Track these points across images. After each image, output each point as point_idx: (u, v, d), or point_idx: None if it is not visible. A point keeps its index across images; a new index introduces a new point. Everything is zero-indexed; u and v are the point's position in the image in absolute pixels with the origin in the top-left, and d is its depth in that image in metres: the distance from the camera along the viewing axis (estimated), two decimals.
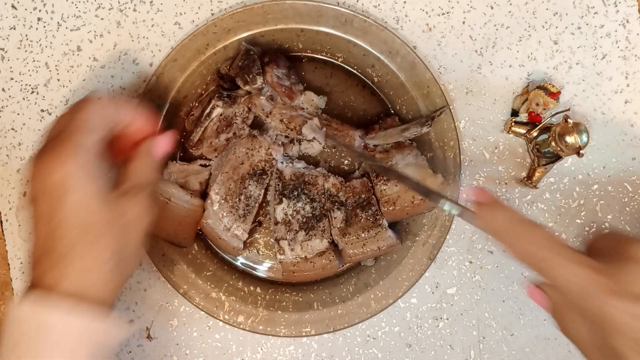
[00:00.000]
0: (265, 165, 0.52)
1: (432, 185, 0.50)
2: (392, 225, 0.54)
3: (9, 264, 0.56)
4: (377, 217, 0.51)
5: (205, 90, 0.54)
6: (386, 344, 0.55)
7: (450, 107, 0.52)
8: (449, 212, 0.48)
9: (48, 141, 0.41)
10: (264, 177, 0.52)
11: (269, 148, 0.52)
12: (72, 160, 0.38)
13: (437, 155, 0.53)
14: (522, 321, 0.55)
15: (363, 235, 0.51)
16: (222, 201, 0.51)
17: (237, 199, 0.52)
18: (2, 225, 0.56)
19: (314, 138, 0.52)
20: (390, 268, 0.53)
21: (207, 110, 0.52)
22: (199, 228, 0.53)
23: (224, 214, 0.51)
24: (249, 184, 0.52)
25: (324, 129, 0.52)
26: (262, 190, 0.52)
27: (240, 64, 0.51)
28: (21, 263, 0.56)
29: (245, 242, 0.53)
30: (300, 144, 0.54)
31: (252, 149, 0.52)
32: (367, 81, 0.55)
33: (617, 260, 0.34)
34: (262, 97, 0.52)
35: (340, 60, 0.54)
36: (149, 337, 0.55)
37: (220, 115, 0.52)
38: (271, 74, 0.51)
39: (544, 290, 0.39)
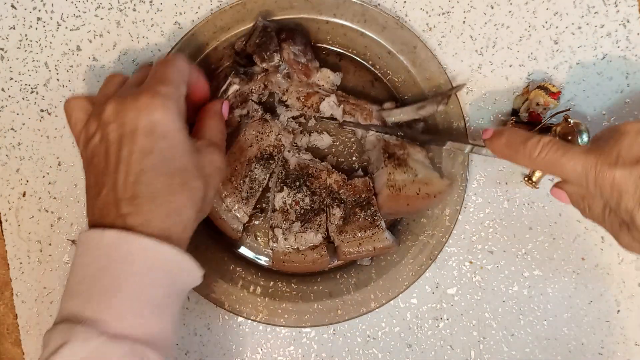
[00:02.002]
0: (274, 150, 0.52)
1: (439, 186, 0.50)
2: (393, 225, 0.54)
3: (8, 264, 0.56)
4: (376, 218, 0.51)
5: (218, 66, 0.54)
6: (386, 344, 0.55)
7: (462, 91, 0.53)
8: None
9: (107, 94, 0.42)
10: (271, 162, 0.52)
11: (279, 134, 0.52)
12: (165, 107, 0.39)
13: (446, 165, 0.53)
14: (522, 321, 0.55)
15: (360, 234, 0.51)
16: (227, 181, 0.51)
17: (242, 181, 0.52)
18: (1, 226, 0.56)
19: (332, 115, 0.53)
20: (390, 268, 0.53)
21: (224, 87, 0.51)
22: None
23: (227, 194, 0.51)
24: (255, 168, 0.52)
25: (342, 105, 0.52)
26: (267, 175, 0.52)
27: (257, 41, 0.50)
28: (20, 263, 0.56)
29: (245, 225, 0.53)
30: (310, 135, 0.55)
31: (262, 133, 0.52)
32: (377, 72, 0.55)
33: (610, 137, 0.40)
34: (278, 75, 0.52)
35: (350, 51, 0.55)
36: None
37: (237, 91, 0.52)
38: (288, 51, 0.50)
39: (562, 187, 0.45)
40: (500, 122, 0.55)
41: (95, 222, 0.39)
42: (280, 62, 0.51)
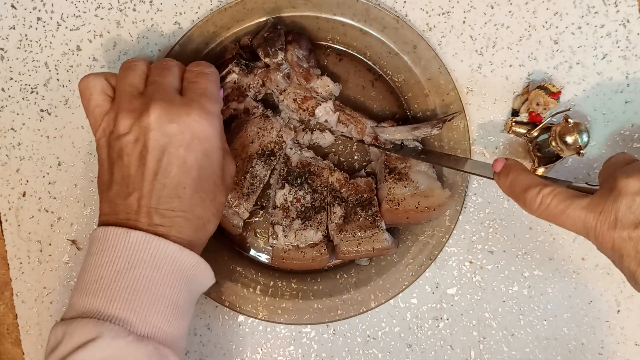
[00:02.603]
0: (275, 147, 0.52)
1: (440, 198, 0.50)
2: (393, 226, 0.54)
3: (8, 264, 0.56)
4: (376, 219, 0.51)
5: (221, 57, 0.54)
6: (386, 344, 0.55)
7: (463, 114, 0.53)
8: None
9: (170, 91, 0.41)
10: (272, 158, 0.52)
11: (280, 130, 0.52)
12: (212, 125, 0.40)
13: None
14: (522, 321, 0.55)
15: (359, 234, 0.51)
16: None
17: (243, 177, 0.52)
18: (1, 226, 0.56)
19: (325, 121, 0.53)
20: (390, 267, 0.53)
21: (222, 74, 0.50)
22: None
23: None
24: (256, 164, 0.52)
25: (338, 113, 0.52)
26: (269, 172, 0.52)
27: (265, 35, 0.51)
28: (20, 263, 0.56)
29: (245, 222, 0.53)
30: (312, 133, 0.55)
31: (263, 129, 0.52)
32: (379, 70, 0.55)
33: (608, 192, 0.39)
34: (279, 73, 0.52)
35: (351, 50, 0.55)
36: None
37: (234, 83, 0.52)
38: (292, 53, 0.50)
39: None
40: (500, 122, 0.55)
41: (117, 222, 0.39)
42: (283, 61, 0.51)
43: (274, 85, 0.52)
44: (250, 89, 0.53)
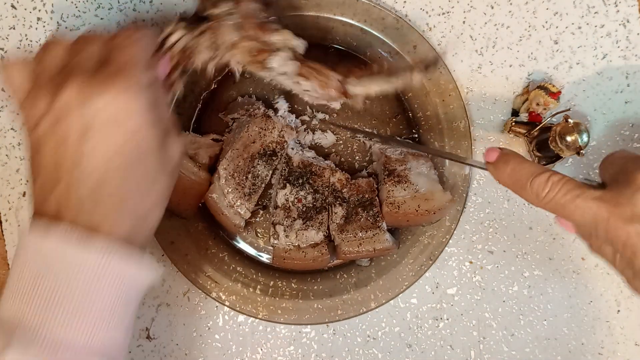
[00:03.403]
0: (277, 146, 0.52)
1: (440, 202, 0.50)
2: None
3: (8, 264, 0.56)
4: (377, 219, 0.51)
5: None
6: (386, 344, 0.55)
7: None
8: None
9: (87, 62, 0.35)
10: (274, 158, 0.52)
11: (282, 130, 0.52)
12: (138, 97, 0.34)
13: (447, 165, 0.53)
14: (522, 321, 0.55)
15: (360, 234, 0.51)
16: (229, 177, 0.52)
17: (244, 177, 0.52)
18: (1, 226, 0.56)
19: (285, 73, 0.45)
20: (390, 268, 0.53)
21: (162, 36, 0.41)
22: (202, 201, 0.53)
23: (230, 190, 0.51)
24: (258, 164, 0.52)
25: (298, 63, 0.44)
26: (270, 172, 0.52)
27: None
28: None
29: (246, 222, 0.53)
30: (313, 133, 0.55)
31: (265, 129, 0.52)
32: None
33: (625, 186, 0.37)
34: (228, 23, 0.42)
35: (351, 50, 0.55)
36: (148, 337, 0.55)
37: (180, 46, 0.42)
38: (246, 3, 0.43)
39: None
40: (500, 122, 0.55)
41: (46, 213, 0.35)
42: (233, 11, 0.42)
43: (222, 39, 0.43)
44: (202, 51, 0.43)
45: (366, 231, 0.51)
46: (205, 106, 0.55)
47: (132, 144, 0.35)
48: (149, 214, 0.38)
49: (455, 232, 0.53)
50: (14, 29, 0.55)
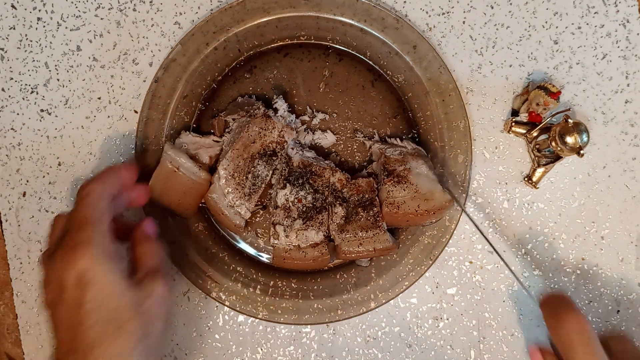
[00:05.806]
0: (277, 147, 0.52)
1: (440, 202, 0.50)
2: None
3: (8, 264, 0.56)
4: (378, 219, 0.51)
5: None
6: (386, 344, 0.55)
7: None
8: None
9: (55, 242, 0.42)
10: (274, 158, 0.52)
11: (282, 130, 0.52)
12: (87, 254, 0.39)
13: (447, 165, 0.53)
14: (522, 321, 0.55)
15: (361, 234, 0.51)
16: (230, 177, 0.52)
17: (245, 177, 0.52)
18: (1, 226, 0.56)
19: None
20: (390, 268, 0.53)
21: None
22: (202, 201, 0.53)
23: (230, 190, 0.51)
24: (258, 164, 0.52)
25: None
26: (270, 172, 0.52)
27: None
28: (21, 263, 0.56)
29: (246, 222, 0.53)
30: (313, 133, 0.55)
31: (265, 129, 0.52)
32: (379, 70, 0.55)
33: None
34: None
35: (352, 49, 0.55)
36: None
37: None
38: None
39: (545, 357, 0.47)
40: (500, 122, 0.55)
41: None
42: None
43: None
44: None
45: (366, 231, 0.51)
46: (206, 106, 0.55)
47: (92, 294, 0.39)
48: (124, 356, 0.39)
49: (455, 232, 0.53)
50: (14, 29, 0.55)
